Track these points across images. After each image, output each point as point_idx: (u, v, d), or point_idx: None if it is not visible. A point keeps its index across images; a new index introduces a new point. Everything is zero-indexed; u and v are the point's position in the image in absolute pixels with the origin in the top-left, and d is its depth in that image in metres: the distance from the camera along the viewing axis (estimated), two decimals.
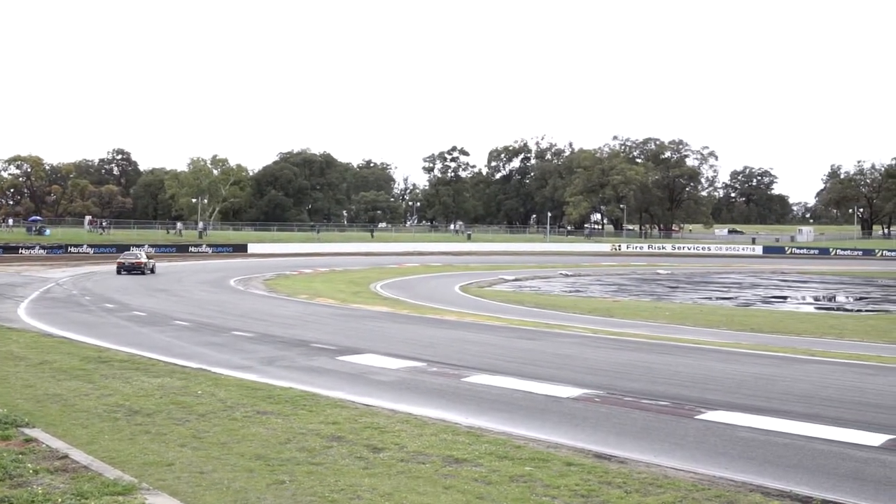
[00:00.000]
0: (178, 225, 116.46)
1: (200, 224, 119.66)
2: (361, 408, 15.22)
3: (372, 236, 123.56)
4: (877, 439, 13.24)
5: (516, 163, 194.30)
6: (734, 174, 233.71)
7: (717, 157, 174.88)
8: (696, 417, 14.89)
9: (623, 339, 27.68)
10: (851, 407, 16.01)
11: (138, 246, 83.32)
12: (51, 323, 30.17)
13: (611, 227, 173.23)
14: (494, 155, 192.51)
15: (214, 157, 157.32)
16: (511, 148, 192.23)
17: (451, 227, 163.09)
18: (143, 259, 65.56)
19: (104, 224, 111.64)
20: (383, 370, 20.41)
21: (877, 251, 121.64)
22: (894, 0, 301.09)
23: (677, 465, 11.58)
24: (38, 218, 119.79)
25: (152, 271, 64.71)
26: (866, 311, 45.65)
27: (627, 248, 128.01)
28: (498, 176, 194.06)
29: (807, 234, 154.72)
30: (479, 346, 25.32)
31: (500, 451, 11.85)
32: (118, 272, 62.41)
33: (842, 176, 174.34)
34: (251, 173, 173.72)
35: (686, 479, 10.82)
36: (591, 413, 15.44)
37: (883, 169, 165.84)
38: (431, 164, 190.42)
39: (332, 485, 10.06)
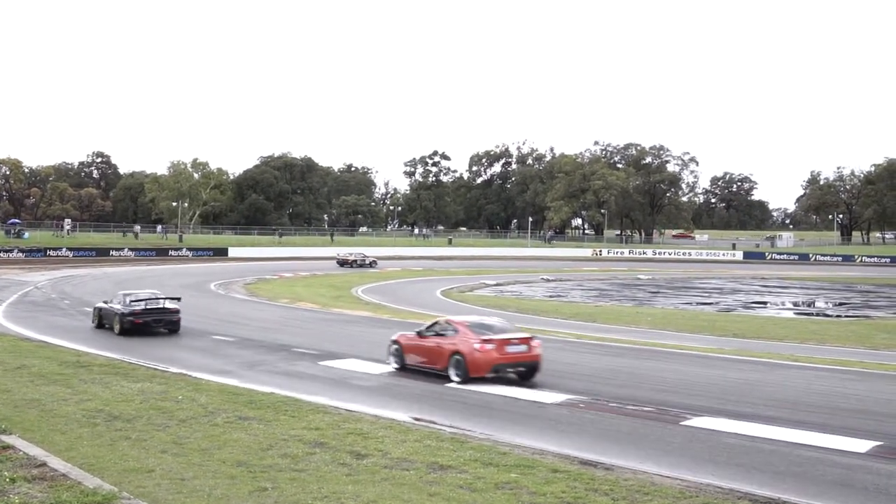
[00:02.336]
0: (136, 227, 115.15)
1: (159, 228, 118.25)
2: (344, 413, 15.09)
3: (332, 240, 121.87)
4: (863, 446, 13.20)
5: (497, 167, 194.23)
6: (714, 180, 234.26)
7: (697, 163, 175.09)
8: (681, 424, 14.83)
9: (606, 344, 27.64)
10: (837, 413, 15.99)
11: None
12: (29, 327, 29.90)
13: (592, 231, 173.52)
14: (476, 159, 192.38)
15: (195, 160, 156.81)
16: (492, 153, 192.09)
17: (416, 231, 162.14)
18: (353, 257, 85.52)
19: (67, 228, 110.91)
20: (365, 375, 20.30)
21: (856, 257, 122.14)
22: (871, 9, 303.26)
23: (664, 472, 11.50)
24: (17, 221, 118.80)
25: (371, 266, 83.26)
26: (847, 316, 45.77)
27: (608, 253, 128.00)
28: (479, 181, 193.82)
29: (787, 239, 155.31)
30: None
31: (485, 458, 11.74)
32: (340, 266, 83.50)
33: (821, 182, 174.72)
34: (232, 177, 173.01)
35: (673, 486, 10.73)
36: (576, 419, 15.36)
37: (862, 175, 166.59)
38: (413, 169, 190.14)
39: (315, 492, 9.92)
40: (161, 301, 29.24)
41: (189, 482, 10.22)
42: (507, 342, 19.88)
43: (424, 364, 20.72)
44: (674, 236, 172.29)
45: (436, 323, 21.54)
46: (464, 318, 21.76)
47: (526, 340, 20.32)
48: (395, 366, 21.44)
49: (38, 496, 9.28)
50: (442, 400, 17.05)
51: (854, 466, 12.08)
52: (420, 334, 21.28)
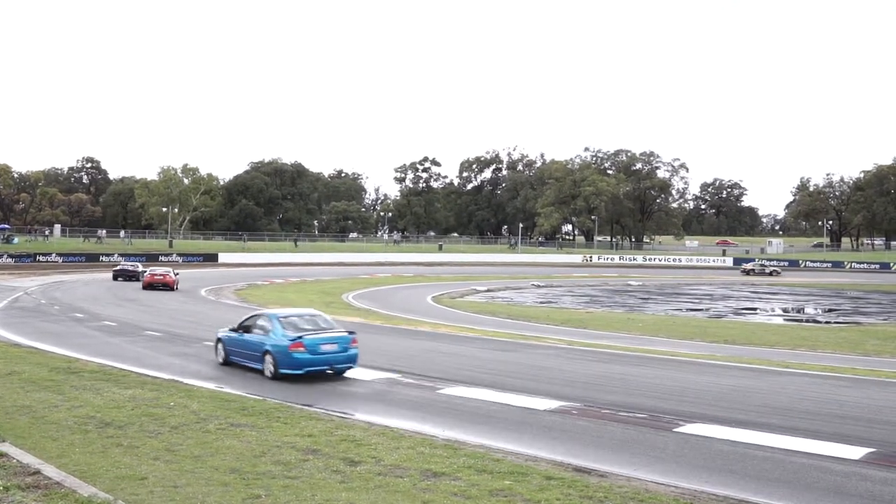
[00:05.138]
0: (101, 232, 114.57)
1: (122, 233, 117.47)
2: (337, 420, 15.05)
3: (295, 245, 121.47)
4: (856, 452, 13.20)
5: (488, 174, 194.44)
6: (704, 186, 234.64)
7: (687, 169, 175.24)
8: (674, 430, 14.81)
9: (598, 350, 27.62)
10: (830, 420, 15.99)
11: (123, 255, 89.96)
12: (19, 333, 29.76)
13: (582, 238, 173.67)
14: (466, 166, 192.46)
15: (185, 166, 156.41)
16: (483, 159, 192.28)
17: (386, 237, 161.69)
18: (750, 266, 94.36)
19: (46, 232, 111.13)
20: (358, 381, 20.23)
21: (846, 263, 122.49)
22: (862, 17, 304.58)
23: (658, 479, 11.49)
24: (6, 226, 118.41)
25: (772, 275, 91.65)
26: (837, 322, 45.87)
27: (599, 259, 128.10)
28: (469, 187, 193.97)
29: (776, 246, 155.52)
30: (454, 357, 25.19)
31: (478, 465, 11.71)
32: (746, 274, 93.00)
33: (811, 189, 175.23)
34: (222, 182, 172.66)
35: (667, 493, 10.72)
36: (569, 426, 15.33)
37: (851, 182, 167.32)
38: (403, 175, 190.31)
39: (308, 499, 9.89)
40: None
41: (182, 489, 10.17)
42: (155, 275, 57.25)
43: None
44: (717, 243, 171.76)
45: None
46: (155, 267, 64.11)
47: (164, 275, 57.34)
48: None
49: None
50: (434, 407, 17.00)
51: (848, 473, 12.07)
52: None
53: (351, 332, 21.24)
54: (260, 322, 21.93)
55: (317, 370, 20.33)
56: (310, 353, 20.12)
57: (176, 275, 58.76)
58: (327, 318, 22.67)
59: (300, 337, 20.24)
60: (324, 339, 20.57)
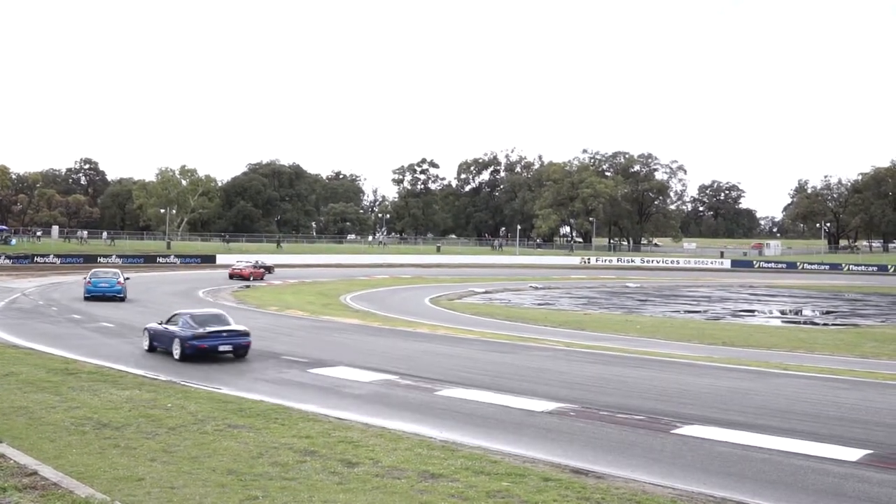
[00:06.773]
0: (83, 233, 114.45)
1: (105, 234, 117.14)
2: (334, 421, 15.04)
3: (278, 247, 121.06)
4: (854, 454, 13.20)
5: (486, 175, 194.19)
6: (702, 188, 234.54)
7: (685, 171, 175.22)
8: (672, 432, 14.82)
9: (596, 352, 27.61)
10: (827, 422, 16.00)
11: (115, 257, 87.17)
12: (17, 334, 29.72)
13: (580, 240, 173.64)
14: (464, 167, 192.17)
15: (183, 167, 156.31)
16: (481, 161, 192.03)
17: (371, 238, 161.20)
18: None
19: (38, 233, 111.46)
20: (356, 383, 20.23)
21: (843, 265, 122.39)
22: (861, 18, 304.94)
23: (656, 481, 11.49)
24: (4, 227, 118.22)
25: None
26: (835, 325, 45.85)
27: (596, 261, 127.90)
28: (467, 188, 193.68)
29: (774, 248, 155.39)
30: (452, 359, 25.17)
31: (476, 466, 11.70)
32: None
33: (809, 191, 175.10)
34: (220, 184, 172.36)
35: (665, 494, 10.72)
36: (567, 427, 15.33)
37: (849, 184, 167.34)
38: (401, 177, 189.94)
39: (305, 501, 9.90)
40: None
41: (179, 490, 10.17)
42: (235, 269, 70.46)
43: None
44: (752, 247, 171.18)
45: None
46: (238, 263, 74.99)
47: (242, 270, 69.65)
48: None
49: None
50: (432, 408, 17.00)
51: (846, 475, 12.08)
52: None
53: (117, 278, 46.08)
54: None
55: (98, 295, 44.51)
56: (93, 287, 44.90)
57: (258, 268, 71.66)
58: (116, 272, 47.83)
59: (88, 279, 45.86)
60: (100, 280, 45.60)
